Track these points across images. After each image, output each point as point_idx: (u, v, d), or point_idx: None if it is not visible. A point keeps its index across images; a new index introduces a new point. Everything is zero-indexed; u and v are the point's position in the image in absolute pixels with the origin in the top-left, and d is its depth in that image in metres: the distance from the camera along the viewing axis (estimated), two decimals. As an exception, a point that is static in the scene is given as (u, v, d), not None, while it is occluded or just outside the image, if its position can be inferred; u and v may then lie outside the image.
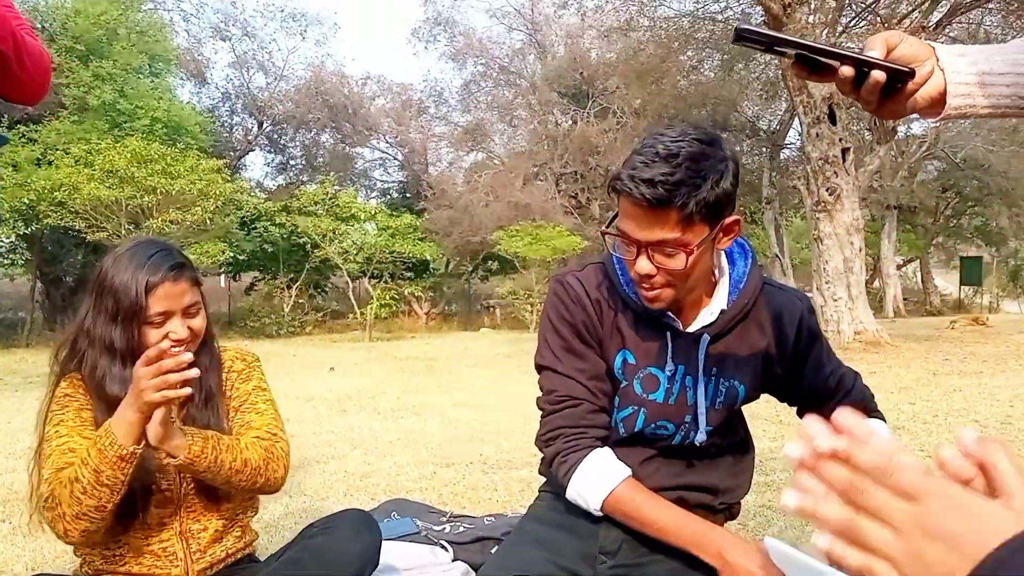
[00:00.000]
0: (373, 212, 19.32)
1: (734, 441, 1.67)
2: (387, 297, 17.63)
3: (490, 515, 2.71)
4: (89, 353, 1.70)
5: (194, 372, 1.53)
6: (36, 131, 14.08)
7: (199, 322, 1.75)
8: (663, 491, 1.61)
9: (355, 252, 17.85)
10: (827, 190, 9.36)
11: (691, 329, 1.54)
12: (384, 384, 7.89)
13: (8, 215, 12.63)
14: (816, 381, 1.61)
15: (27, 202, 12.54)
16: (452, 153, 24.32)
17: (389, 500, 2.89)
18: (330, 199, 18.00)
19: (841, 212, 9.34)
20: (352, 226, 18.21)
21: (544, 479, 1.78)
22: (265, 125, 22.98)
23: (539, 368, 1.62)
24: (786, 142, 20.48)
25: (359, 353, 12.13)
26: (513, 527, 1.81)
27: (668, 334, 1.54)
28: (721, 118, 18.94)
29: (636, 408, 1.57)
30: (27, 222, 13.19)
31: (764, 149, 20.40)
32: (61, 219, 12.69)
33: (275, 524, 3.06)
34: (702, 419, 1.57)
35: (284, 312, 17.28)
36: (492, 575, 1.67)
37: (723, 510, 1.69)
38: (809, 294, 19.47)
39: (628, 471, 1.54)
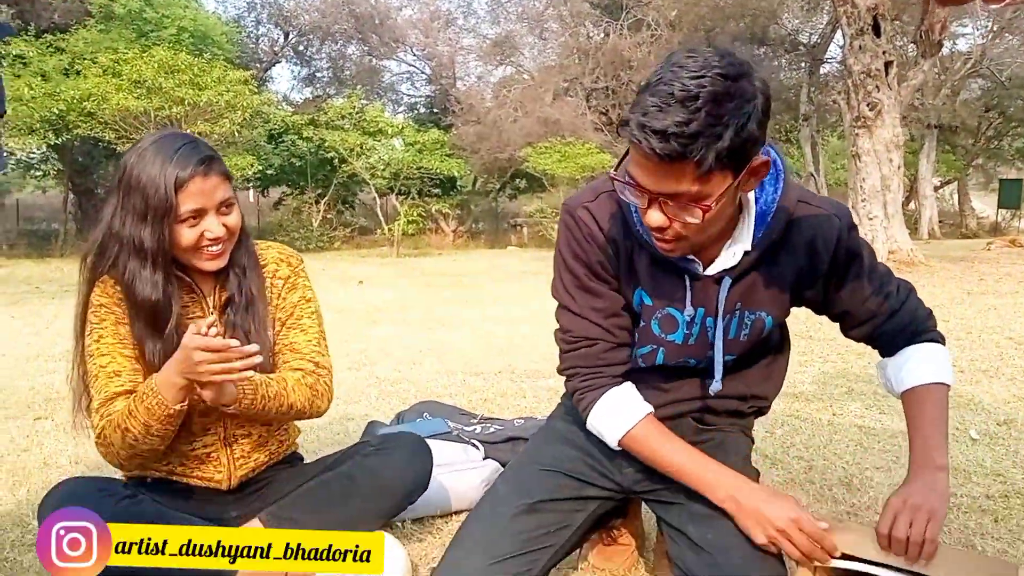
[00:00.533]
0: (400, 127, 19.12)
1: (767, 347, 1.62)
2: (414, 214, 17.59)
3: (520, 418, 2.74)
4: (119, 255, 1.66)
5: (257, 359, 1.52)
6: (64, 39, 13.97)
7: (234, 219, 1.69)
8: (689, 401, 1.60)
9: (382, 168, 17.75)
10: (868, 105, 9.05)
11: (711, 271, 1.43)
12: (413, 298, 7.95)
13: (39, 125, 12.67)
14: (854, 302, 1.50)
15: (57, 112, 12.55)
16: (480, 67, 23.86)
17: (420, 402, 2.92)
18: (357, 113, 17.81)
19: (881, 128, 9.05)
20: (379, 141, 18.05)
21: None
22: (291, 36, 22.60)
23: (557, 301, 1.56)
24: (826, 56, 19.78)
25: (387, 268, 12.21)
26: (547, 417, 1.83)
27: (686, 277, 1.44)
28: (759, 31, 18.30)
29: (655, 347, 1.53)
30: (57, 132, 13.22)
31: (803, 64, 19.72)
32: (91, 129, 12.71)
33: (309, 424, 3.12)
34: (718, 367, 1.50)
35: (313, 227, 17.35)
36: (525, 464, 1.70)
37: (752, 412, 1.68)
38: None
39: (645, 410, 1.51)
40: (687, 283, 1.44)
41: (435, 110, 23.12)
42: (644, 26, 18.85)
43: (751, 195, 1.38)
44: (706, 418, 1.62)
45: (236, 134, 13.67)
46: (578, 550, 1.84)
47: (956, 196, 25.43)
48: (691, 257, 1.41)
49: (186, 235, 1.64)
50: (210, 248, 1.66)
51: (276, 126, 17.41)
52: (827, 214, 1.42)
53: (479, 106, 19.90)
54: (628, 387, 1.53)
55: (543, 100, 19.11)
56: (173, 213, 1.60)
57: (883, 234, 9.32)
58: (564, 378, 1.58)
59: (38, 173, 18.17)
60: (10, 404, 3.53)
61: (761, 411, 1.70)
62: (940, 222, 20.93)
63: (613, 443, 1.52)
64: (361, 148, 17.21)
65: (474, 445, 2.40)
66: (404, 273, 11.26)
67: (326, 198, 17.99)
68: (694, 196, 1.19)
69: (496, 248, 18.15)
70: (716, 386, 1.52)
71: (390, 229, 17.03)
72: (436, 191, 19.64)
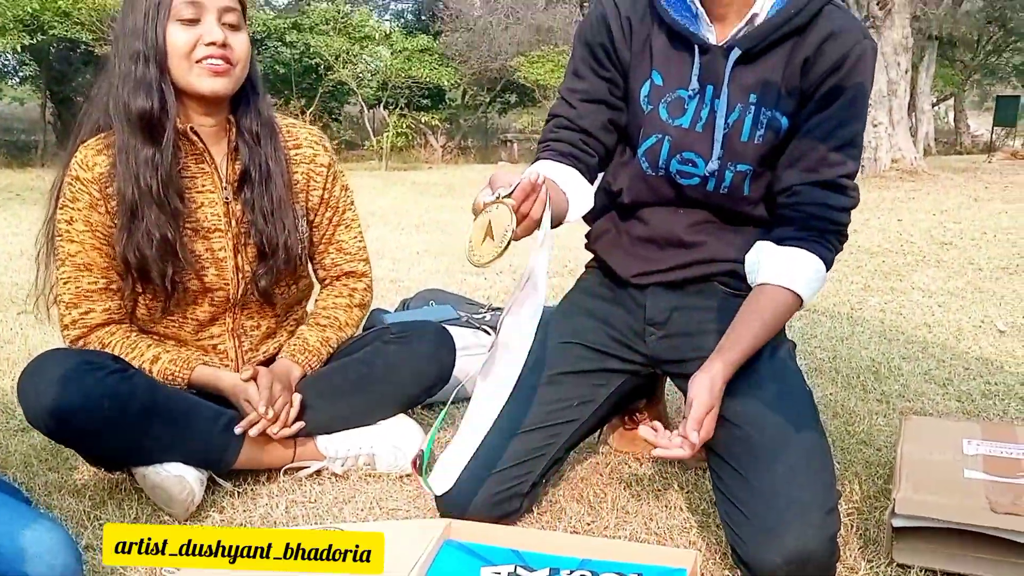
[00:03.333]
0: (387, 33, 18.49)
1: None
2: (403, 126, 17.18)
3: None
4: (110, 89, 1.50)
5: (298, 426, 1.58)
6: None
7: (239, 41, 1.50)
8: (715, 262, 1.46)
9: (370, 77, 17.25)
10: (878, 3, 8.72)
11: (725, 40, 1.34)
12: (406, 204, 7.75)
13: (11, 24, 12.12)
14: (803, 142, 1.34)
15: (30, 11, 11.98)
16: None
17: (426, 289, 2.78)
18: (343, 18, 17.18)
19: (891, 29, 8.75)
20: (366, 48, 17.48)
21: (591, 255, 1.64)
22: (271, -64, 21.62)
23: None
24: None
25: (377, 180, 11.95)
26: (562, 297, 1.70)
27: (696, 48, 1.35)
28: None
29: (660, 136, 1.41)
30: (31, 33, 12.66)
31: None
32: (66, 31, 12.18)
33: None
34: (716, 145, 1.37)
35: (299, 138, 16.97)
36: (544, 338, 1.57)
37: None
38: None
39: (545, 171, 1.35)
40: (696, 53, 1.36)
41: (423, 16, 22.38)
42: None
43: None
44: (732, 283, 1.47)
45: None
46: (598, 432, 1.74)
47: (952, 113, 25.10)
48: (707, 22, 1.34)
49: (179, 36, 1.46)
50: (210, 61, 1.46)
51: (258, 30, 16.77)
52: (858, 29, 1.33)
53: (468, 12, 19.21)
54: (550, 163, 1.42)
55: (535, 6, 18.45)
56: (168, 5, 1.44)
57: (887, 142, 9.12)
58: None
59: (14, 81, 17.55)
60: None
61: None
62: (935, 140, 20.68)
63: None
64: (347, 55, 16.67)
65: (485, 331, 2.27)
66: (395, 183, 11.03)
67: (311, 109, 17.52)
68: None
69: (486, 164, 17.85)
70: (712, 166, 1.39)
71: (378, 142, 16.64)
72: (425, 102, 19.16)
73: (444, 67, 18.40)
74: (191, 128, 1.52)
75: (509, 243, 1.06)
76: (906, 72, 9.03)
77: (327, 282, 1.76)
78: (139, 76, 1.46)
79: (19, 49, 13.61)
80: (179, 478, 1.46)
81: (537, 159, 1.44)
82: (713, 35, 1.35)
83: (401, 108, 18.06)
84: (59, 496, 1.55)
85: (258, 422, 1.50)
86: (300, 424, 1.56)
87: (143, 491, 1.51)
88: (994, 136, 22.90)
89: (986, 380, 2.24)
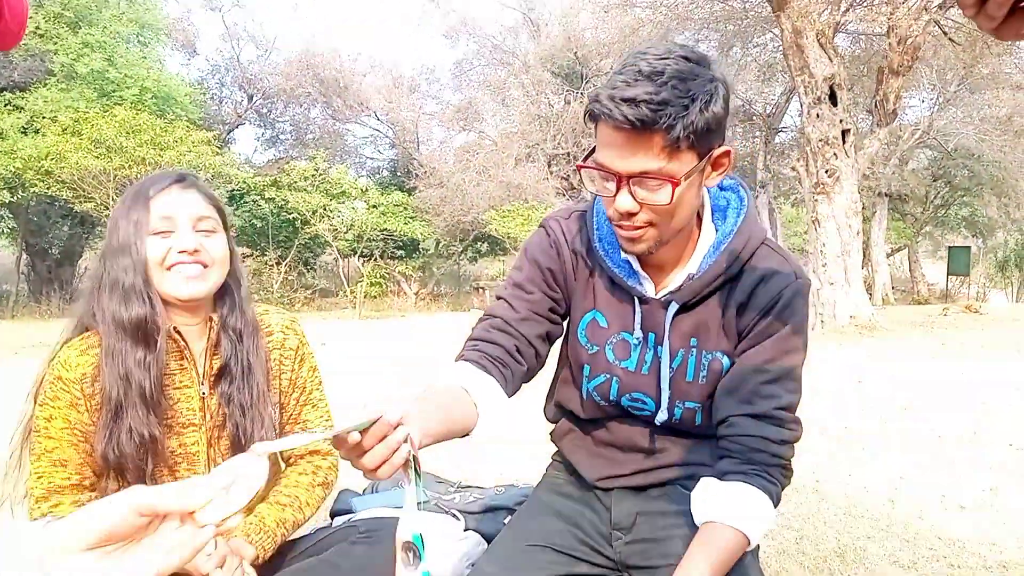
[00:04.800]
0: (364, 189, 19.14)
1: None
2: (377, 276, 17.50)
3: (499, 486, 2.62)
4: (100, 299, 1.57)
5: None
6: (23, 98, 13.80)
7: (215, 245, 1.58)
8: (675, 467, 1.50)
9: (345, 229, 17.70)
10: (826, 172, 9.28)
11: (659, 295, 1.40)
12: (378, 357, 7.79)
13: (-7, 183, 12.41)
14: (736, 373, 1.37)
15: (13, 170, 12.31)
16: (444, 132, 24.12)
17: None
18: (320, 175, 17.81)
19: (840, 194, 9.27)
20: (342, 203, 18.04)
21: (555, 448, 1.70)
22: (255, 99, 22.67)
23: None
24: (781, 125, 20.41)
25: (350, 330, 12.02)
26: (527, 496, 1.73)
27: (635, 300, 1.41)
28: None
29: (608, 376, 1.47)
30: (12, 191, 12.95)
31: (758, 133, 20.32)
32: (48, 188, 12.48)
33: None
34: (663, 396, 1.42)
35: (273, 289, 17.11)
36: (511, 540, 1.59)
37: None
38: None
39: (463, 382, 1.32)
40: (636, 304, 1.41)
41: (398, 173, 23.24)
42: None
43: (710, 217, 1.39)
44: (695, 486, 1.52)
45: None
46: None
47: (907, 263, 26.11)
48: (644, 275, 1.40)
49: (154, 248, 1.54)
50: (183, 266, 1.54)
51: (238, 187, 17.28)
52: (789, 269, 1.37)
53: (442, 169, 20.05)
54: (467, 367, 1.37)
55: (505, 165, 19.32)
56: (145, 222, 1.53)
57: (844, 299, 9.45)
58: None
59: (-10, 233, 17.74)
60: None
61: None
62: (892, 288, 21.41)
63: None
64: (324, 210, 17.17)
65: (454, 515, 2.27)
66: (367, 335, 11.09)
67: (287, 259, 17.82)
68: (662, 172, 1.19)
69: (458, 311, 18.08)
70: (662, 416, 1.44)
71: (352, 291, 16.87)
72: (399, 253, 19.61)
73: (417, 220, 18.98)
74: (174, 328, 1.59)
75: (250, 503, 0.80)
76: (857, 233, 9.50)
77: (291, 460, 1.79)
78: (128, 286, 1.54)
79: None
80: None
81: (461, 357, 1.41)
82: (650, 287, 1.41)
83: (375, 258, 18.45)
84: None
85: None
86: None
87: None
88: (950, 285, 23.84)
89: (950, 562, 2.26)
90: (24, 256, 16.62)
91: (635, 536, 1.51)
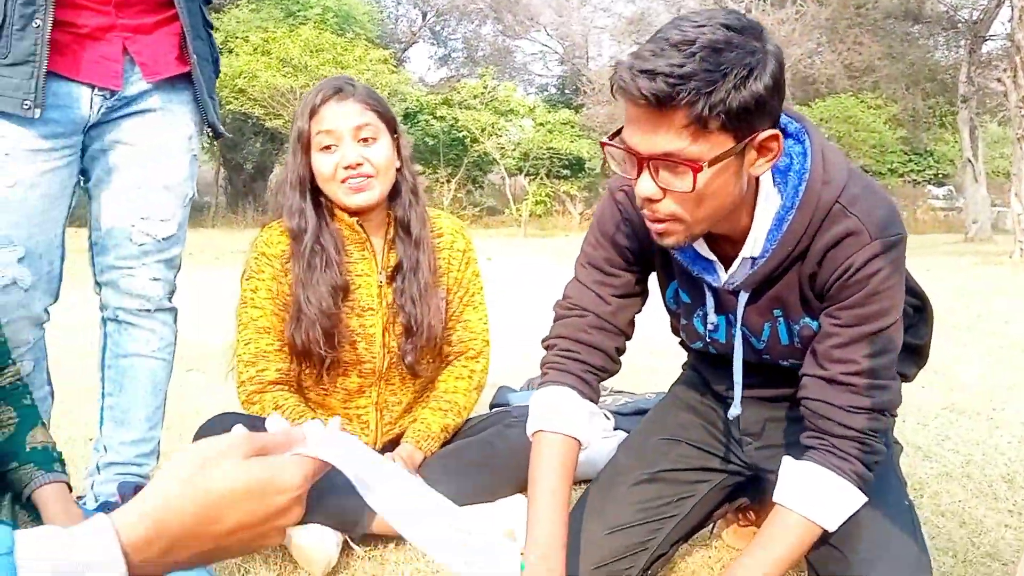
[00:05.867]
0: (531, 107, 19.17)
1: None
2: (542, 194, 17.64)
3: (652, 393, 2.67)
4: (286, 192, 1.75)
5: None
6: (218, 19, 14.77)
7: (378, 153, 1.68)
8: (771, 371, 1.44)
9: (512, 148, 17.88)
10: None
11: (726, 279, 1.28)
12: (543, 273, 7.95)
13: (195, 101, 13.51)
14: (817, 339, 1.26)
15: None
16: (614, 46, 23.53)
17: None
18: (489, 93, 17.99)
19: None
20: (510, 121, 18.18)
21: (687, 356, 1.72)
22: (429, 16, 23.06)
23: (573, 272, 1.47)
24: (989, 34, 18.31)
25: (516, 246, 12.30)
26: (668, 389, 1.78)
27: (705, 286, 1.32)
28: (915, 6, 17.15)
29: (705, 343, 1.44)
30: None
31: (963, 42, 18.33)
32: (242, 105, 13.41)
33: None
34: (737, 388, 1.36)
35: (443, 205, 17.71)
36: (646, 433, 1.65)
37: None
38: (999, 208, 17.70)
39: (567, 429, 1.35)
40: (706, 290, 1.33)
41: (566, 90, 23.06)
42: (789, 1, 18.04)
43: (766, 192, 1.21)
44: None
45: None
46: (711, 526, 1.78)
47: None
48: (709, 259, 1.27)
49: (322, 164, 1.69)
50: (350, 181, 1.68)
51: (411, 106, 17.83)
52: (864, 228, 1.17)
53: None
54: (575, 397, 1.37)
55: (678, 80, 18.64)
56: (307, 139, 1.66)
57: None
58: (545, 347, 1.45)
59: (193, 148, 19.38)
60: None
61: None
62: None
63: (528, 433, 1.41)
64: (492, 128, 17.38)
65: (604, 415, 2.36)
66: (533, 250, 11.31)
67: (456, 177, 18.30)
68: (684, 155, 1.05)
69: (623, 231, 17.96)
70: (735, 410, 1.38)
71: (518, 209, 17.15)
72: (565, 172, 19.60)
73: (584, 139, 18.82)
74: (357, 222, 1.74)
75: None
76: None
77: (450, 357, 1.93)
78: (292, 203, 1.72)
79: (226, 132, 15.15)
80: (319, 540, 1.62)
81: (560, 371, 1.38)
82: (718, 273, 1.30)
83: (541, 177, 18.57)
84: (216, 547, 1.74)
85: None
86: None
87: (287, 548, 1.69)
88: None
89: None
90: (221, 170, 18.07)
91: (765, 442, 1.52)
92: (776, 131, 1.09)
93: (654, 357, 3.80)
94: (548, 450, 1.35)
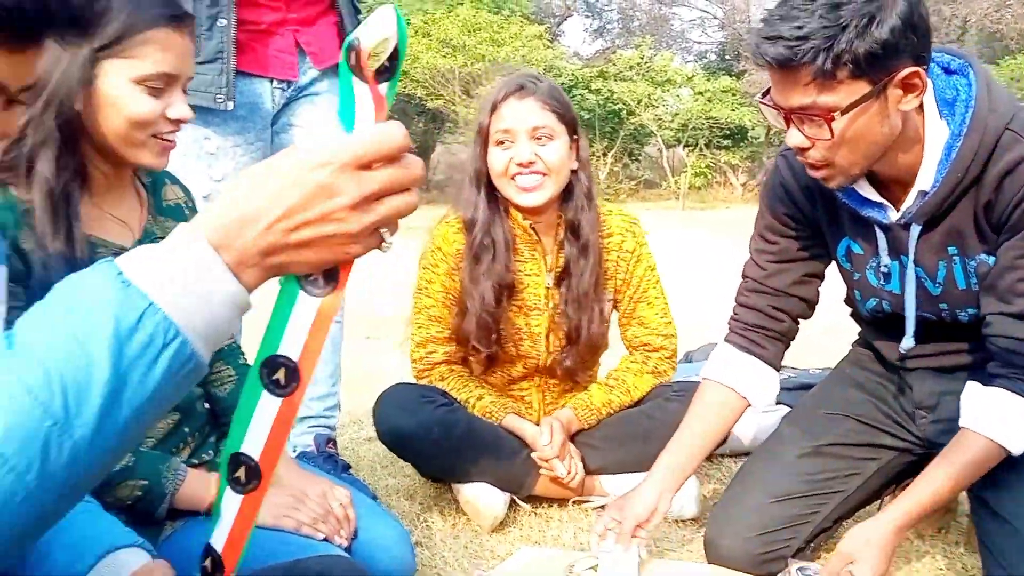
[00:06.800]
0: (689, 76, 18.66)
1: None
2: (702, 166, 17.19)
3: (817, 368, 2.61)
4: (463, 184, 1.83)
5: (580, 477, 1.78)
6: (381, 3, 15.37)
7: (550, 153, 1.70)
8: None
9: (670, 118, 17.51)
10: None
11: (895, 218, 1.30)
12: (702, 247, 7.83)
13: (364, 84, 14.19)
14: (993, 276, 1.26)
15: (375, 72, 13.93)
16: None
17: (709, 343, 2.89)
18: (646, 63, 17.68)
19: None
20: (667, 91, 17.80)
21: (857, 332, 1.68)
22: (584, -12, 22.88)
23: None
24: None
25: (674, 219, 12.12)
26: (835, 366, 1.75)
27: (875, 227, 1.34)
28: None
29: (879, 299, 1.43)
30: (379, 90, 14.69)
31: None
32: (404, 87, 13.92)
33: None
34: (909, 322, 1.37)
35: (599, 180, 17.65)
36: (812, 407, 1.64)
37: None
38: None
39: (725, 384, 1.52)
40: (877, 231, 1.34)
41: (726, 57, 22.25)
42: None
43: (933, 126, 1.23)
44: None
45: (530, 88, 14.24)
46: (879, 502, 1.74)
47: None
48: (881, 201, 1.30)
49: (495, 159, 1.75)
50: (521, 177, 1.72)
51: (567, 80, 17.79)
52: None
53: (775, 51, 18.77)
54: (736, 353, 1.52)
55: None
56: (486, 132, 1.72)
57: None
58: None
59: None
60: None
61: None
62: None
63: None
64: (649, 99, 17.09)
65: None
66: (692, 224, 11.12)
67: (612, 151, 18.16)
68: (816, 107, 1.14)
69: (787, 201, 17.24)
70: (907, 343, 1.39)
71: (676, 182, 16.83)
72: (726, 142, 18.98)
73: (746, 106, 18.13)
74: (531, 226, 1.80)
75: None
76: None
77: (629, 350, 1.96)
78: (468, 195, 1.79)
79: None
80: (487, 497, 1.74)
81: (726, 334, 1.56)
82: (888, 212, 1.32)
83: (700, 148, 18.09)
84: (396, 498, 1.91)
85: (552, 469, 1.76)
86: (581, 475, 1.78)
87: (459, 503, 1.82)
88: None
89: None
90: (386, 150, 18.89)
91: (939, 415, 1.48)
92: (917, 68, 1.14)
93: (824, 335, 3.69)
94: (702, 396, 1.52)
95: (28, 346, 0.57)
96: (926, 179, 1.26)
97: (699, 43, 24.79)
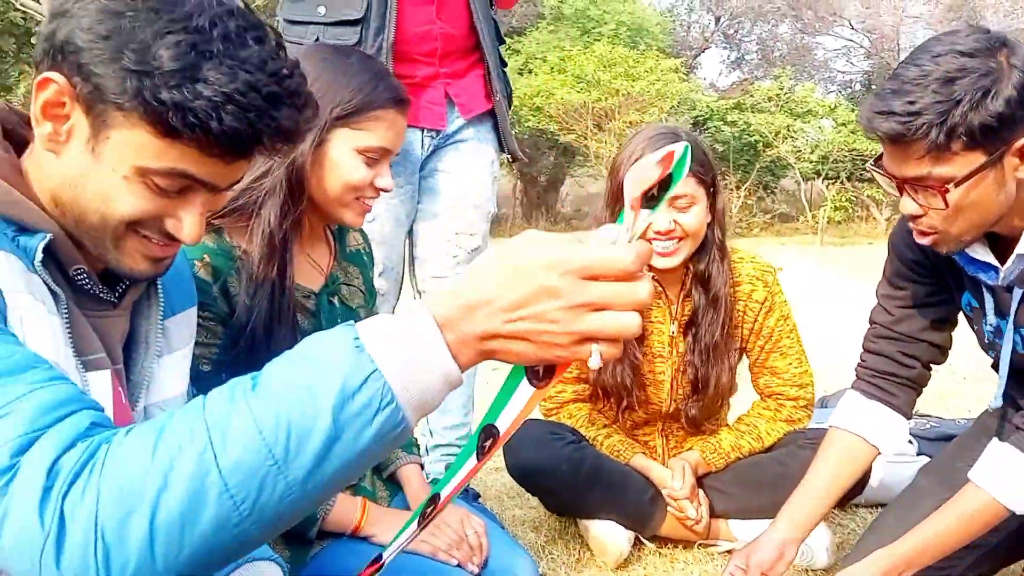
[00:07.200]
0: (832, 107, 18.04)
1: None
2: (842, 199, 16.52)
3: (963, 418, 2.49)
4: None
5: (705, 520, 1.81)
6: (520, 43, 15.76)
7: (690, 219, 1.69)
8: None
9: (809, 151, 16.96)
10: None
11: (1001, 277, 1.28)
12: (837, 286, 7.53)
13: (498, 120, 14.57)
14: None
15: (512, 109, 14.26)
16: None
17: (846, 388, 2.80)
18: (785, 94, 17.24)
19: None
20: (807, 123, 17.26)
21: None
22: (722, 20, 22.65)
23: None
24: None
25: (811, 256, 11.70)
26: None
27: (982, 286, 1.33)
28: None
29: (995, 353, 1.41)
30: (512, 126, 15.04)
31: None
32: (538, 123, 14.20)
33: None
34: (1002, 378, 1.35)
35: (732, 214, 17.27)
36: (950, 459, 1.61)
37: None
38: None
39: (856, 433, 1.51)
40: (984, 291, 1.34)
41: (872, 87, 21.37)
42: None
43: None
44: None
45: (663, 122, 14.18)
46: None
47: None
48: (987, 261, 1.29)
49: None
50: (657, 243, 1.70)
51: (701, 113, 17.62)
52: None
53: (926, 80, 17.87)
54: (856, 399, 1.52)
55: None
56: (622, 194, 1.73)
57: None
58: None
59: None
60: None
61: None
62: None
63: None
64: (787, 130, 16.64)
65: (908, 440, 2.25)
66: (830, 261, 10.70)
67: (747, 184, 17.76)
68: (932, 178, 1.13)
69: (937, 238, 16.26)
70: (995, 403, 1.38)
71: (814, 216, 16.26)
72: (869, 175, 18.17)
73: (893, 138, 17.34)
74: (653, 276, 1.81)
75: None
76: None
77: (761, 398, 1.94)
78: None
79: (524, 158, 16.27)
80: (613, 533, 1.77)
81: (854, 380, 1.57)
82: (992, 273, 1.31)
83: (842, 181, 17.40)
84: (522, 529, 1.96)
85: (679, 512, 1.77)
86: (707, 519, 1.79)
87: (584, 538, 1.85)
88: None
89: None
90: (518, 183, 19.23)
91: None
92: None
93: (960, 383, 3.50)
94: (830, 444, 1.53)
95: (268, 390, 0.63)
96: None
97: (843, 72, 23.95)
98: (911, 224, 1.26)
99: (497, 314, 0.64)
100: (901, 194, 1.22)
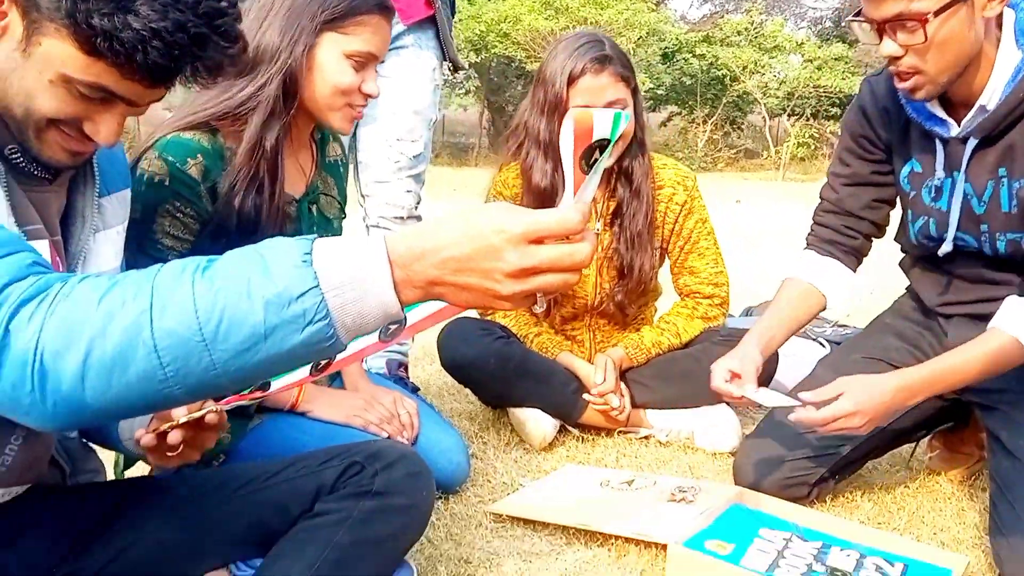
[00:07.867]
0: (800, 43, 18.00)
1: None
2: (806, 135, 16.65)
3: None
4: (525, 141, 1.90)
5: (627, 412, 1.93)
6: (487, -32, 15.41)
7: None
8: (990, 284, 1.52)
9: (776, 86, 16.98)
10: None
11: (956, 132, 1.40)
12: (799, 221, 7.68)
13: (463, 45, 14.33)
14: None
15: (478, 32, 14.05)
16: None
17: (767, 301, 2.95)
18: (755, 29, 17.17)
19: None
20: (775, 58, 17.24)
21: (905, 287, 1.76)
22: (694, -49, 22.24)
23: None
24: None
25: (772, 190, 11.87)
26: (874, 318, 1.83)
27: (936, 140, 1.44)
28: None
29: (927, 218, 1.52)
30: (477, 52, 14.82)
31: None
32: (505, 49, 14.03)
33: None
34: (950, 229, 1.47)
35: (697, 147, 17.35)
36: (848, 351, 1.73)
37: None
38: None
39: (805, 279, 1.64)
40: (938, 145, 1.44)
41: (842, 23, 21.30)
42: None
43: (1007, 50, 1.33)
44: None
45: (631, 52, 14.08)
46: (914, 446, 1.81)
47: None
48: (943, 117, 1.40)
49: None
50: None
51: (670, 44, 17.47)
52: None
53: (893, 17, 17.86)
54: (811, 258, 1.65)
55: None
56: (563, 106, 1.78)
57: None
58: None
59: (461, 91, 20.52)
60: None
61: None
62: None
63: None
64: (755, 66, 16.62)
65: (820, 343, 2.40)
66: (790, 196, 10.86)
67: (713, 118, 17.78)
68: (912, 13, 1.23)
69: (896, 176, 16.50)
70: (946, 247, 1.49)
71: (777, 151, 16.40)
72: (834, 111, 18.30)
73: (858, 75, 17.39)
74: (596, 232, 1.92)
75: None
76: None
77: (680, 297, 2.07)
78: (539, 163, 1.86)
79: (467, 65, 15.97)
80: (537, 419, 1.90)
81: (805, 245, 1.68)
82: (950, 127, 1.41)
83: (807, 117, 17.50)
84: (458, 419, 2.09)
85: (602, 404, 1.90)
86: (629, 409, 1.93)
87: (514, 425, 1.99)
88: None
89: None
90: (485, 112, 19.04)
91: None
92: None
93: (866, 298, 3.67)
94: (783, 290, 1.67)
95: (215, 277, 0.69)
96: (989, 97, 1.36)
97: (814, 8, 23.82)
98: (892, 68, 1.35)
99: (448, 262, 0.69)
100: (880, 38, 1.31)
